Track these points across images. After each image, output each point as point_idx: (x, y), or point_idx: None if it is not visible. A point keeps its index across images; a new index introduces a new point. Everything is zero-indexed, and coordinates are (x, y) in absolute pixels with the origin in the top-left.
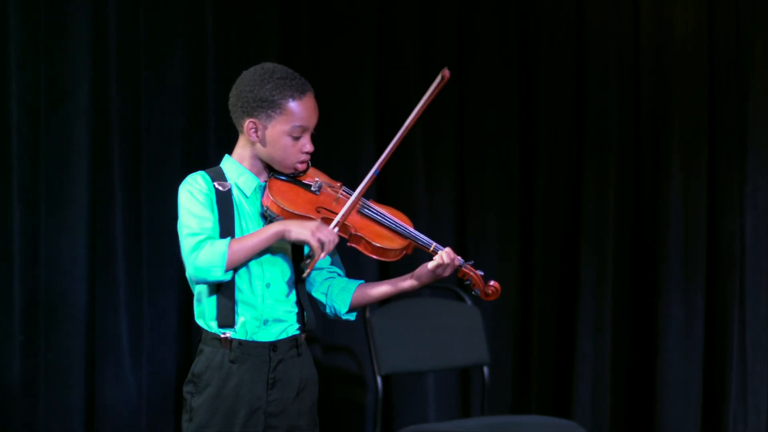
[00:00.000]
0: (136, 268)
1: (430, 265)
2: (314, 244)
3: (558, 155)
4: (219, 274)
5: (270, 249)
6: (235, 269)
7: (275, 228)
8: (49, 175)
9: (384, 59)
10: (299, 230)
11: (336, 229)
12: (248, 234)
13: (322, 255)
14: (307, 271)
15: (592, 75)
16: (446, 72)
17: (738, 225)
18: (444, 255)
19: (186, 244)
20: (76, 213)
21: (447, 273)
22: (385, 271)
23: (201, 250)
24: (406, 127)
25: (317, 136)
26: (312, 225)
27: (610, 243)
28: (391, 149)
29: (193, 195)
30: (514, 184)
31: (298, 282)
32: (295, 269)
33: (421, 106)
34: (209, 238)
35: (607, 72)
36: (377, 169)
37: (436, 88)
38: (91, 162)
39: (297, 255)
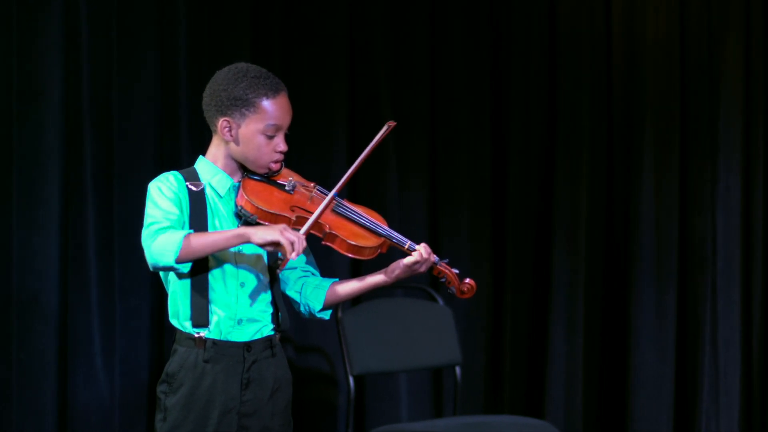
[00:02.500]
0: (108, 269)
1: (408, 261)
2: (284, 242)
3: (530, 155)
4: (170, 260)
5: (244, 248)
6: (195, 263)
7: (240, 230)
8: (21, 176)
9: (356, 59)
10: (264, 232)
11: (305, 234)
12: (213, 231)
13: (293, 255)
14: (280, 269)
15: (564, 75)
16: (392, 122)
17: (710, 224)
18: (422, 251)
19: (147, 231)
20: (48, 213)
21: (423, 269)
22: (357, 270)
23: (160, 236)
24: (352, 171)
25: (290, 136)
26: (278, 227)
27: (583, 242)
28: (343, 183)
29: (162, 191)
30: (486, 184)
31: (273, 282)
32: (269, 269)
33: (367, 153)
34: (171, 227)
35: (580, 72)
36: (336, 192)
37: (381, 136)
38: (63, 162)
39: (271, 255)
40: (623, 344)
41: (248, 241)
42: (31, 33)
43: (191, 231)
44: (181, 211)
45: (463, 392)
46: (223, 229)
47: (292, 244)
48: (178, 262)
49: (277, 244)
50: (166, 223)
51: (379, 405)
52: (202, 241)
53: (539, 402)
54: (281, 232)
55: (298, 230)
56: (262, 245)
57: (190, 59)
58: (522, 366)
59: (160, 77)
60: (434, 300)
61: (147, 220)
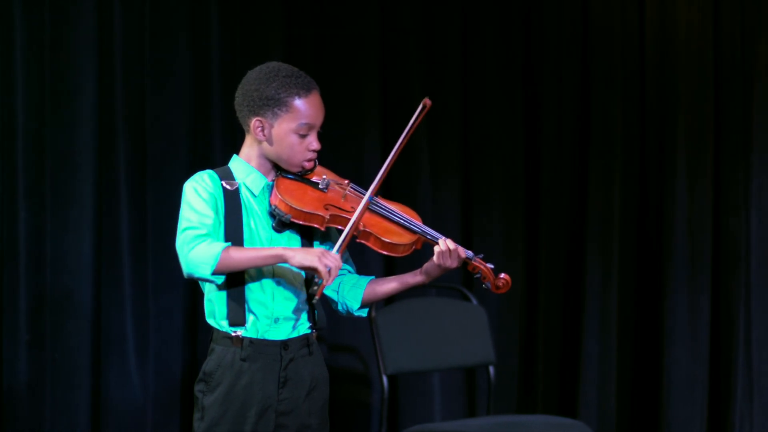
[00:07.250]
0: (142, 268)
1: (434, 257)
2: (322, 269)
3: (563, 154)
4: (206, 273)
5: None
6: (228, 275)
7: (278, 251)
8: (54, 174)
9: (388, 57)
10: (304, 256)
11: (340, 251)
12: (252, 247)
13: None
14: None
15: (597, 75)
16: (427, 101)
17: (743, 224)
18: (442, 242)
19: (183, 236)
20: (82, 212)
21: (453, 263)
22: (391, 266)
23: (198, 246)
24: (393, 157)
25: (323, 134)
26: (317, 251)
27: (616, 242)
28: (383, 175)
29: (198, 192)
30: (519, 184)
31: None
32: (306, 282)
33: (406, 135)
34: (209, 235)
35: (612, 72)
36: (370, 194)
37: (418, 116)
38: (96, 161)
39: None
40: (657, 344)
41: (286, 263)
42: (63, 31)
43: (229, 244)
44: (216, 212)
45: (497, 392)
46: (258, 229)
47: (329, 271)
48: (213, 274)
49: (314, 270)
50: (203, 230)
51: (412, 404)
52: (238, 257)
53: (572, 402)
54: (319, 258)
55: (333, 228)
56: (299, 268)
57: (223, 57)
58: (555, 366)
59: (193, 75)
60: (468, 299)
61: (182, 224)
